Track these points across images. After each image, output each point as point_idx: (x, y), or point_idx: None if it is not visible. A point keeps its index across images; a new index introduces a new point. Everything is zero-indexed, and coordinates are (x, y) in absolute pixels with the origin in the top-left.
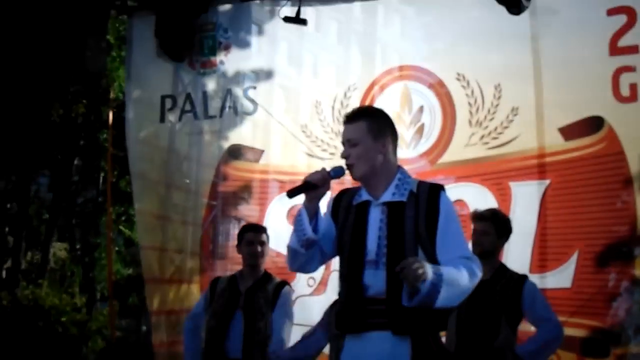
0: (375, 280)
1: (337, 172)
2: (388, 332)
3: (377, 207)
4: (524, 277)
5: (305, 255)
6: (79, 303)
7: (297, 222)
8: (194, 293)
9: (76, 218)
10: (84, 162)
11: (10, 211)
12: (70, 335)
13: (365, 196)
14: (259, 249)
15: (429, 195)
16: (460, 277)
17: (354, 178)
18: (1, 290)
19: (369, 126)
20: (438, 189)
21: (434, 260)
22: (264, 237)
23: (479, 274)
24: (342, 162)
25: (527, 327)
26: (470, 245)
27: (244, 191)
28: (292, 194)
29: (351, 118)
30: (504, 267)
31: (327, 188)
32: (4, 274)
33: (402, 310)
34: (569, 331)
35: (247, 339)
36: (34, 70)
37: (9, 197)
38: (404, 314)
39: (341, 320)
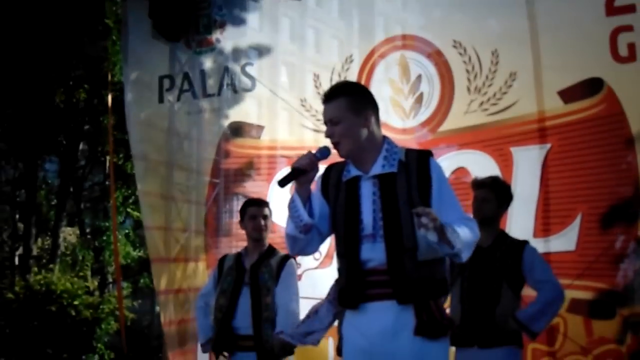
0: (374, 254)
1: (323, 153)
2: (390, 301)
3: (368, 181)
4: (524, 242)
5: (304, 239)
6: (92, 286)
7: (291, 208)
8: (200, 271)
9: (84, 202)
10: (89, 147)
11: (20, 198)
12: (83, 318)
13: (354, 171)
14: (262, 222)
15: (419, 162)
16: (464, 233)
17: (342, 156)
18: (14, 276)
19: (349, 102)
20: (427, 155)
21: None
22: (266, 210)
23: (478, 234)
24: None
25: (532, 293)
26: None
27: (246, 168)
28: (283, 183)
29: (330, 97)
30: (504, 234)
31: (316, 170)
32: (16, 260)
33: (406, 278)
34: (574, 294)
35: (256, 315)
36: (35, 57)
37: (17, 184)
38: (407, 283)
39: (343, 296)
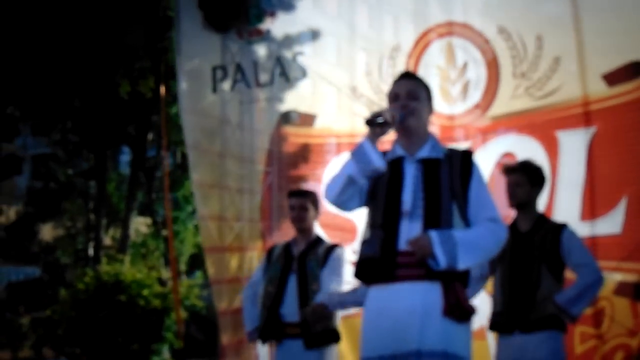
0: (410, 232)
1: (401, 116)
2: (419, 282)
3: (412, 164)
4: (562, 226)
5: (355, 188)
6: (165, 276)
7: (359, 153)
8: (255, 259)
9: (156, 192)
10: (159, 137)
11: (92, 190)
12: (153, 308)
13: (399, 151)
14: (299, 214)
15: (462, 157)
16: (480, 239)
17: (406, 126)
18: (87, 266)
19: (426, 89)
20: (470, 153)
21: (465, 217)
22: (305, 202)
23: (503, 237)
24: None
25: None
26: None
27: (299, 156)
28: (370, 122)
29: (411, 76)
30: (543, 218)
31: (390, 128)
32: (90, 251)
33: None
34: (621, 276)
35: (303, 303)
36: (100, 49)
37: (88, 176)
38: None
39: (373, 266)
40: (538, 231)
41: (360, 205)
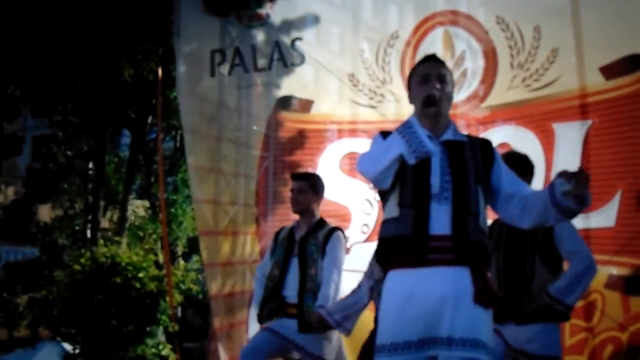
0: (439, 214)
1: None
2: (448, 268)
3: (437, 146)
4: None
5: (396, 166)
6: (162, 260)
7: (409, 132)
8: (249, 243)
9: (154, 175)
10: (161, 120)
11: (91, 172)
12: (148, 291)
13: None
14: (294, 196)
15: (482, 144)
16: None
17: (436, 112)
18: (85, 248)
19: (451, 73)
20: (489, 141)
21: (487, 200)
22: (303, 185)
23: None
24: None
25: None
26: None
27: (295, 141)
28: (428, 102)
29: (439, 60)
30: None
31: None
32: (88, 233)
33: (468, 239)
34: (613, 270)
35: (301, 286)
36: (102, 31)
37: (88, 158)
38: (469, 243)
39: (403, 250)
40: None
41: (392, 182)
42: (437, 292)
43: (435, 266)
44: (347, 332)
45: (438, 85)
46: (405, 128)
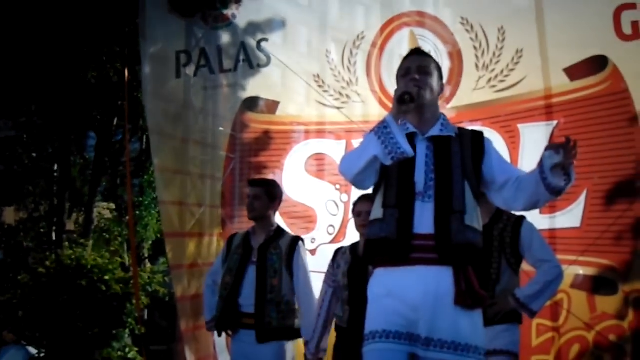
0: (423, 213)
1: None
2: (432, 267)
3: (423, 142)
4: (521, 218)
5: (375, 167)
6: (128, 262)
7: (385, 133)
8: (215, 245)
9: (120, 177)
10: (127, 122)
11: (56, 173)
12: (114, 293)
13: (411, 129)
14: (250, 203)
15: (473, 136)
16: None
17: (420, 103)
18: (50, 251)
19: (437, 66)
20: (481, 133)
21: (478, 196)
22: (258, 191)
23: None
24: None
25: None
26: None
27: (261, 142)
28: (402, 100)
29: (422, 52)
30: (500, 211)
31: (414, 106)
32: (53, 235)
33: (450, 239)
34: (579, 270)
35: (260, 295)
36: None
37: (53, 160)
38: (451, 243)
39: (389, 246)
40: (497, 224)
41: (375, 182)
42: (418, 290)
43: (418, 265)
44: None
45: (417, 76)
46: (381, 128)
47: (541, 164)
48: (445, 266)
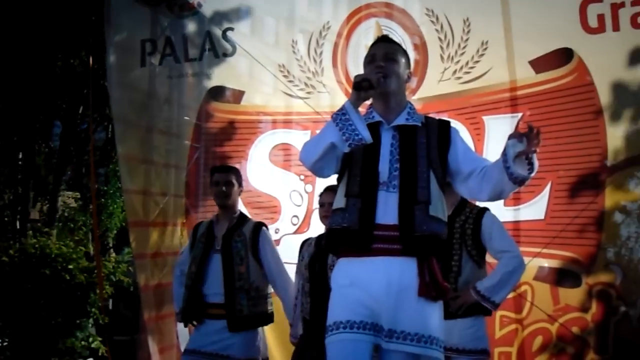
0: (387, 203)
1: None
2: (395, 258)
3: (389, 131)
4: (483, 210)
5: (334, 154)
6: (92, 252)
7: (342, 119)
8: (179, 235)
9: (85, 166)
10: (92, 111)
11: (20, 161)
12: (78, 282)
13: (377, 117)
14: (224, 189)
15: (440, 126)
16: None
17: (383, 90)
18: (14, 240)
19: (404, 53)
20: (448, 122)
21: (443, 186)
22: (230, 177)
23: None
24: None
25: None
26: None
27: (226, 132)
28: (359, 86)
29: (388, 39)
30: (464, 202)
31: (374, 92)
32: (17, 224)
33: (414, 230)
34: (542, 262)
35: (228, 283)
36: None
37: (17, 148)
38: (415, 233)
39: (351, 236)
40: (458, 216)
41: (336, 171)
42: (381, 281)
43: (381, 256)
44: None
45: (383, 64)
46: (339, 115)
47: (504, 153)
48: (409, 257)
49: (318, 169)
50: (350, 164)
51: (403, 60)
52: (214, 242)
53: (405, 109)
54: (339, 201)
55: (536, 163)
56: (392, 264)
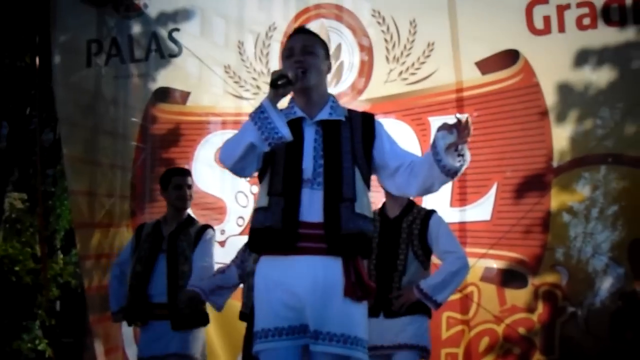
0: (311, 200)
1: (296, 74)
2: (320, 257)
3: (311, 126)
4: (430, 211)
5: (255, 153)
6: (39, 253)
7: (261, 118)
8: (125, 236)
9: (33, 167)
10: (40, 112)
11: None
12: (24, 284)
13: (299, 113)
14: (188, 192)
15: (363, 120)
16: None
17: (303, 85)
18: None
19: (322, 44)
20: (371, 115)
21: (367, 181)
22: (189, 180)
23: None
24: None
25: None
26: None
27: (172, 133)
28: (276, 84)
29: (307, 31)
30: (412, 204)
31: (292, 88)
32: None
33: (340, 228)
34: (488, 263)
35: (171, 283)
36: None
37: None
38: (341, 231)
39: (275, 236)
40: (406, 216)
41: (257, 169)
42: (306, 281)
43: (306, 254)
44: (219, 308)
45: (302, 58)
46: (258, 113)
47: (434, 146)
48: (334, 256)
49: (239, 170)
50: (272, 161)
51: (322, 51)
52: (162, 243)
53: (327, 102)
54: (262, 200)
55: (467, 154)
56: (317, 262)
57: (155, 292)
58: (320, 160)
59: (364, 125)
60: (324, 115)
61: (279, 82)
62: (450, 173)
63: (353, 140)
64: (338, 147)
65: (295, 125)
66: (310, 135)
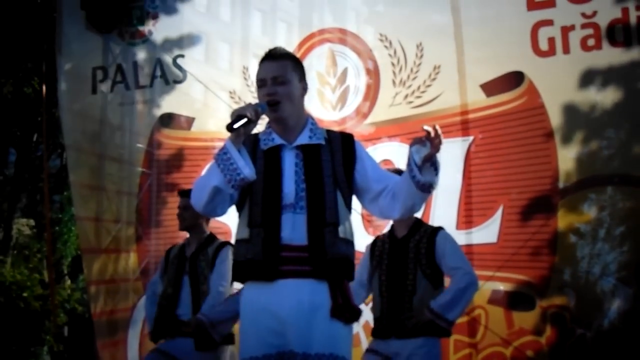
0: (294, 226)
1: (264, 108)
2: (305, 280)
3: (291, 151)
4: (437, 229)
5: (226, 195)
6: (47, 279)
7: (223, 160)
8: (131, 262)
9: (40, 194)
10: (46, 138)
11: None
12: (32, 310)
13: (277, 140)
14: (179, 213)
15: (343, 141)
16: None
17: (279, 118)
18: None
19: (295, 66)
20: (350, 135)
21: (349, 205)
22: (183, 202)
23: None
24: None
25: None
26: None
27: (177, 158)
28: (231, 127)
29: (276, 56)
30: (419, 223)
31: (255, 125)
32: None
33: (325, 252)
34: (495, 285)
35: (195, 303)
36: None
37: None
38: (326, 256)
39: (257, 267)
40: (413, 236)
41: (231, 205)
42: (291, 303)
43: (290, 278)
44: (219, 337)
45: (272, 90)
46: (221, 155)
47: (409, 163)
48: (319, 279)
49: (210, 212)
50: (250, 191)
51: (296, 75)
52: (185, 264)
53: (306, 125)
54: (242, 232)
55: (438, 162)
56: (302, 285)
57: (182, 312)
58: (302, 185)
59: (344, 147)
60: (303, 139)
61: (235, 126)
62: (426, 188)
63: (334, 163)
64: (319, 171)
65: (274, 152)
66: (290, 159)
